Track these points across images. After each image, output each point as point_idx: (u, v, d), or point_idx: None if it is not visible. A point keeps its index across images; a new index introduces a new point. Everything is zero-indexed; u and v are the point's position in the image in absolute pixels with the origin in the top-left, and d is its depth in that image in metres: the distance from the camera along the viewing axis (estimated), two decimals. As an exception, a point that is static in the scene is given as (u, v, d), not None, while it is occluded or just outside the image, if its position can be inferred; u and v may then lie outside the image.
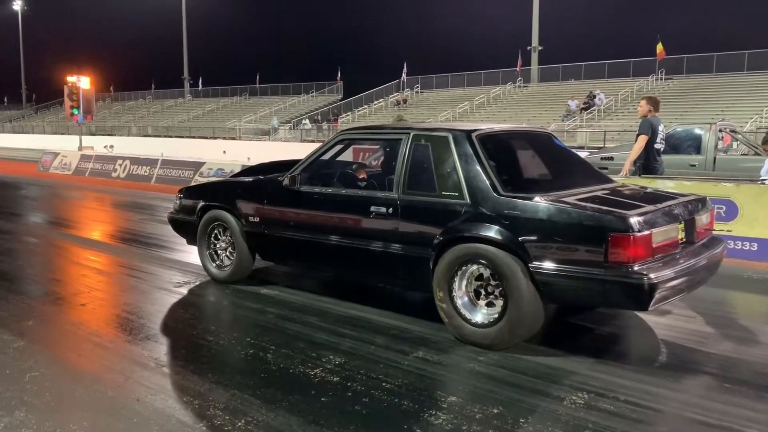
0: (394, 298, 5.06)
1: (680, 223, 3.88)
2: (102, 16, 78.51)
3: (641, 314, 4.64)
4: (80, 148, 21.43)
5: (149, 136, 38.55)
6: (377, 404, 3.21)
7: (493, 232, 3.83)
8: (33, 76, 63.39)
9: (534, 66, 35.31)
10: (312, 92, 44.04)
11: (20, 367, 3.68)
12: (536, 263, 3.70)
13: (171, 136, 36.43)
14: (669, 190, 4.83)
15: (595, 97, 29.60)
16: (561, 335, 4.34)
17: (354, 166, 5.59)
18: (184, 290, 5.45)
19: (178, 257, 6.69)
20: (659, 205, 3.87)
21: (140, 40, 72.86)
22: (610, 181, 4.74)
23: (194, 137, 35.15)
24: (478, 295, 4.04)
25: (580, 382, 3.48)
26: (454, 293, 4.06)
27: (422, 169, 4.34)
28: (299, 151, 27.09)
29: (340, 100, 41.23)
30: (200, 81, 51.03)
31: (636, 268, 3.43)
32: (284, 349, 3.97)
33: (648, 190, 4.65)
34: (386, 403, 3.21)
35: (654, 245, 3.55)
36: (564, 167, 4.82)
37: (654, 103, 7.47)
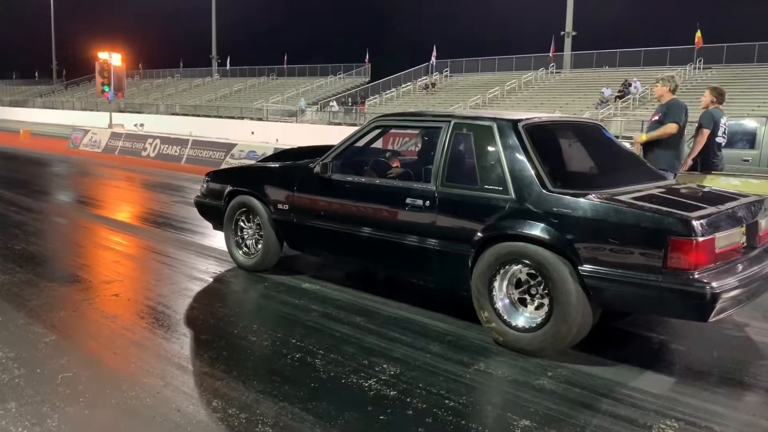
0: (443, 299, 4.71)
1: (742, 226, 3.54)
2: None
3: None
4: (110, 125, 21.31)
5: (177, 114, 38.49)
6: (443, 427, 2.87)
7: (539, 230, 3.55)
8: (63, 52, 63.71)
9: (567, 52, 34.44)
10: (339, 74, 43.54)
11: (52, 365, 3.40)
12: (587, 266, 3.41)
13: (199, 115, 36.31)
14: (728, 190, 4.44)
15: (630, 85, 28.78)
16: (608, 342, 3.97)
17: (387, 154, 5.30)
18: (222, 282, 5.17)
19: (212, 244, 6.41)
20: (722, 207, 3.53)
21: (170, 17, 72.83)
22: (664, 178, 4.43)
23: (222, 117, 34.97)
24: (521, 298, 3.76)
25: (665, 407, 3.11)
26: (494, 294, 3.79)
27: (463, 160, 4.17)
28: (326, 133, 26.80)
29: (368, 83, 40.71)
30: (228, 60, 50.80)
31: (697, 275, 3.12)
32: (333, 354, 3.66)
33: (706, 189, 4.30)
34: (452, 426, 2.88)
35: (717, 251, 3.25)
36: (615, 162, 4.49)
37: (718, 94, 6.95)
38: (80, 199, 10.04)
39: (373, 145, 5.53)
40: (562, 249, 3.48)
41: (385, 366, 3.50)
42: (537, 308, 3.70)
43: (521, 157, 3.77)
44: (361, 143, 4.88)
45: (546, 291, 3.61)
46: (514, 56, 35.89)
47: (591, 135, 4.67)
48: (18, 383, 3.20)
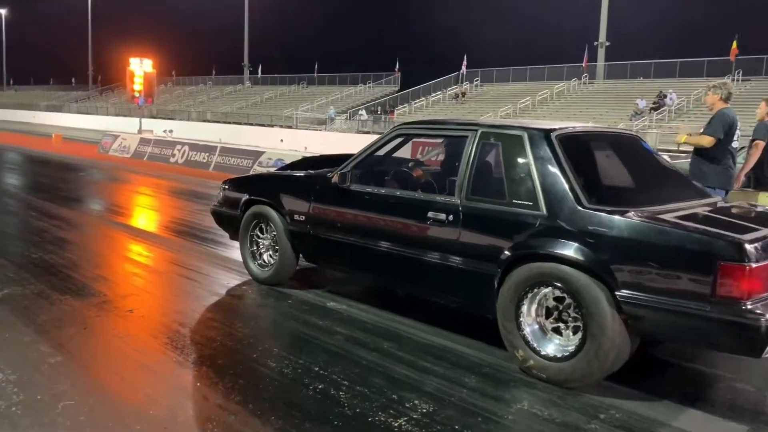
0: (479, 323, 4.33)
1: None
2: (167, 1, 79.75)
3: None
4: (140, 131, 21.34)
5: (208, 121, 38.65)
6: (484, 481, 2.50)
7: (573, 250, 3.22)
8: (100, 58, 64.70)
9: (600, 62, 33.77)
10: (369, 83, 43.38)
11: (54, 391, 3.11)
12: (625, 291, 3.08)
13: (229, 122, 36.41)
14: None
15: (665, 96, 28.04)
16: (648, 374, 3.54)
17: (410, 164, 4.98)
18: (243, 298, 4.86)
19: (236, 256, 6.09)
20: None
21: (203, 25, 73.68)
22: (709, 195, 4.07)
23: (252, 124, 35.02)
24: (552, 324, 3.43)
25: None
26: (522, 319, 3.46)
27: (490, 173, 3.95)
28: (355, 141, 26.52)
29: (397, 92, 40.46)
30: (259, 68, 51.03)
31: (750, 305, 2.77)
32: (359, 386, 3.30)
33: (759, 209, 3.92)
34: (495, 480, 2.50)
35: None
36: (656, 177, 4.15)
37: (775, 106, 6.46)
38: (104, 205, 9.88)
39: (399, 155, 5.16)
40: (598, 272, 3.16)
41: (416, 402, 3.13)
42: (569, 336, 3.37)
43: (554, 169, 3.45)
44: (381, 152, 4.60)
45: (579, 317, 3.27)
46: (546, 66, 35.32)
47: (629, 147, 4.31)
48: (15, 411, 2.91)
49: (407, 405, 3.09)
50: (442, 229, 3.78)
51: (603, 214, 3.22)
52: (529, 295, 3.44)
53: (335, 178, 4.39)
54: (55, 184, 11.85)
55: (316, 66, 47.29)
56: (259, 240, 5.05)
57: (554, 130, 3.69)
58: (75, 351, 3.68)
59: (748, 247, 2.81)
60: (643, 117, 27.12)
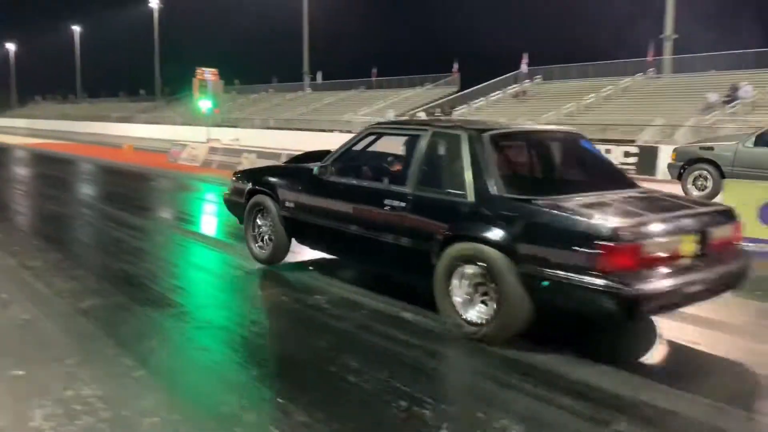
0: (571, 339, 4.12)
1: (691, 234, 3.70)
2: (229, 12, 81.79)
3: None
4: (208, 139, 21.82)
5: (271, 128, 39.30)
6: None
7: (489, 232, 3.84)
8: (166, 69, 66.87)
9: (667, 56, 32.52)
10: (427, 85, 43.17)
11: (138, 407, 3.09)
12: (527, 266, 3.66)
13: (291, 129, 36.87)
14: (695, 200, 4.81)
15: (738, 89, 26.69)
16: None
17: (389, 159, 5.46)
18: (320, 308, 4.76)
19: (312, 266, 6.07)
20: (665, 215, 3.79)
21: (264, 35, 75.16)
22: (636, 186, 4.53)
23: (313, 130, 35.37)
24: (474, 294, 4.00)
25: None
26: (452, 290, 4.04)
27: (434, 166, 4.46)
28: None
29: (456, 92, 40.10)
30: (318, 75, 51.59)
31: (622, 278, 3.32)
32: (443, 403, 3.17)
33: (669, 199, 4.34)
34: None
35: (647, 256, 3.45)
36: (584, 170, 4.85)
37: None
38: (177, 214, 10.08)
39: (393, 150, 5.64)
40: (506, 250, 3.73)
41: (505, 422, 2.97)
42: (486, 304, 3.91)
43: (481, 164, 4.07)
44: (357, 147, 5.22)
45: (493, 289, 3.80)
46: (610, 61, 34.25)
47: (567, 144, 4.99)
48: (102, 428, 2.90)
49: (495, 426, 2.93)
50: (396, 214, 4.42)
51: (514, 201, 3.83)
52: (458, 270, 4.00)
53: (316, 171, 5.08)
54: (129, 193, 12.22)
55: (374, 70, 47.46)
56: (260, 224, 5.67)
57: (488, 130, 4.31)
58: (156, 365, 3.67)
59: (621, 230, 3.38)
60: (715, 111, 25.92)
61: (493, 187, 3.94)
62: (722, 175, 10.81)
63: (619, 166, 5.03)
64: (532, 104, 32.59)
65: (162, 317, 4.51)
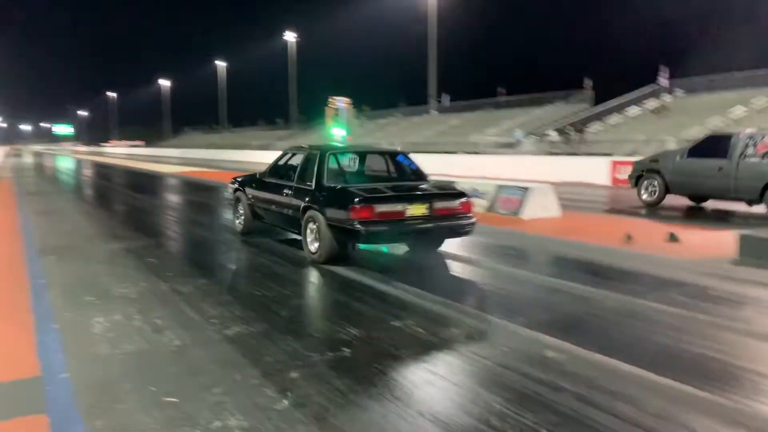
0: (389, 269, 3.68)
1: (422, 203, 6.99)
2: (358, 40, 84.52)
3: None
4: (339, 165, 22.55)
5: (398, 151, 39.78)
6: None
7: (317, 203, 7.33)
8: (302, 97, 70.13)
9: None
10: (557, 101, 41.92)
11: (282, 442, 3.10)
12: (330, 219, 7.07)
13: (418, 152, 37.19)
14: (444, 186, 7.92)
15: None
16: None
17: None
18: (455, 345, 4.63)
19: (449, 300, 5.95)
20: (400, 193, 7.16)
21: (391, 60, 76.80)
22: (426, 179, 8.02)
23: (440, 152, 35.43)
24: (314, 237, 7.46)
25: None
26: (307, 236, 7.57)
27: (303, 170, 7.97)
28: (543, 163, 25.65)
29: (588, 108, 38.56)
30: (446, 98, 51.81)
31: (361, 223, 6.64)
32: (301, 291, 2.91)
33: (423, 186, 7.57)
34: None
35: (378, 213, 6.73)
36: (393, 171, 8.36)
37: None
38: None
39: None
40: (322, 211, 7.21)
41: (336, 297, 2.67)
42: (317, 242, 7.37)
43: (320, 168, 7.55)
44: (281, 162, 9.15)
45: (319, 233, 7.30)
46: (762, 70, 31.40)
47: (387, 157, 8.62)
48: (249, 463, 2.93)
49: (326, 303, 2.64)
50: (287, 197, 8.07)
51: (329, 187, 7.30)
52: (309, 225, 7.49)
53: (258, 175, 9.29)
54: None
55: (501, 89, 46.91)
56: (239, 209, 9.75)
57: (331, 150, 7.96)
58: (299, 397, 3.68)
59: (363, 199, 6.67)
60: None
61: (323, 180, 7.47)
62: (666, 184, 13.42)
63: (422, 168, 8.37)
64: (672, 119, 30.58)
65: (302, 346, 4.56)
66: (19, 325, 5.06)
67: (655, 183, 13.73)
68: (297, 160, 8.54)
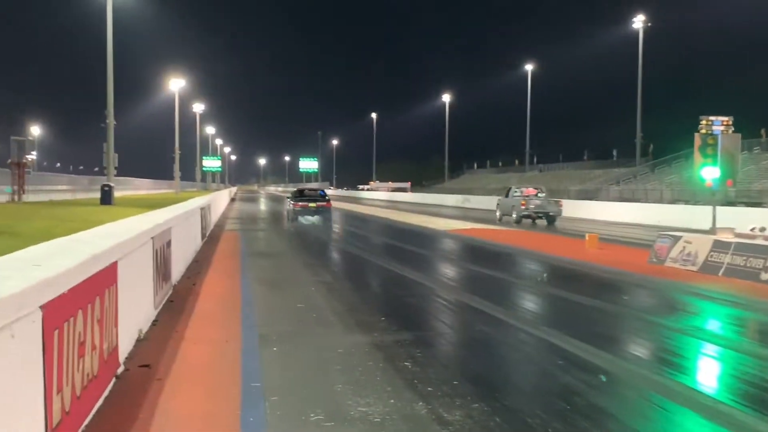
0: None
1: (309, 203, 43.99)
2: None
3: None
4: (713, 228, 21.35)
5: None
6: None
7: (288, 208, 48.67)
8: (651, 122, 69.25)
9: None
10: None
11: None
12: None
13: None
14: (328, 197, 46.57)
15: None
16: None
17: (319, 192, 47.74)
18: None
19: None
20: (309, 198, 45.34)
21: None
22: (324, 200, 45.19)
23: None
24: None
25: None
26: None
27: (297, 197, 46.92)
28: None
29: None
30: None
31: (294, 206, 44.66)
32: None
33: (318, 197, 45.72)
34: None
35: (298, 206, 44.07)
36: (313, 198, 45.78)
37: None
38: (658, 353, 9.95)
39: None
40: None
41: None
42: None
43: (293, 196, 46.88)
44: (302, 187, 64.26)
45: None
46: None
47: (316, 190, 51.47)
48: None
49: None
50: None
51: (290, 202, 47.37)
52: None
53: (289, 195, 51.49)
54: (589, 314, 12.67)
55: None
56: (289, 210, 46.76)
57: (301, 190, 49.84)
58: None
59: (291, 202, 46.64)
60: None
61: (290, 202, 45.24)
62: (499, 218, 43.43)
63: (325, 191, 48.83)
64: None
65: None
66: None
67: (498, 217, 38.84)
68: (306, 190, 50.37)
